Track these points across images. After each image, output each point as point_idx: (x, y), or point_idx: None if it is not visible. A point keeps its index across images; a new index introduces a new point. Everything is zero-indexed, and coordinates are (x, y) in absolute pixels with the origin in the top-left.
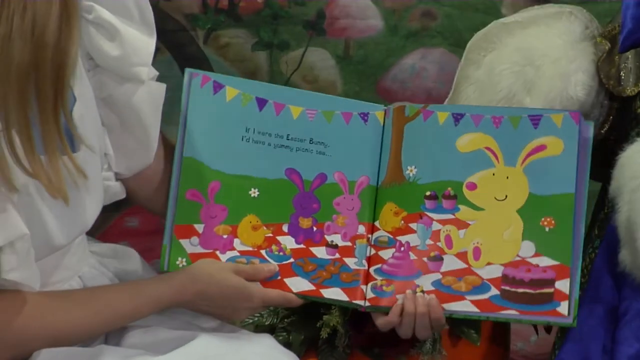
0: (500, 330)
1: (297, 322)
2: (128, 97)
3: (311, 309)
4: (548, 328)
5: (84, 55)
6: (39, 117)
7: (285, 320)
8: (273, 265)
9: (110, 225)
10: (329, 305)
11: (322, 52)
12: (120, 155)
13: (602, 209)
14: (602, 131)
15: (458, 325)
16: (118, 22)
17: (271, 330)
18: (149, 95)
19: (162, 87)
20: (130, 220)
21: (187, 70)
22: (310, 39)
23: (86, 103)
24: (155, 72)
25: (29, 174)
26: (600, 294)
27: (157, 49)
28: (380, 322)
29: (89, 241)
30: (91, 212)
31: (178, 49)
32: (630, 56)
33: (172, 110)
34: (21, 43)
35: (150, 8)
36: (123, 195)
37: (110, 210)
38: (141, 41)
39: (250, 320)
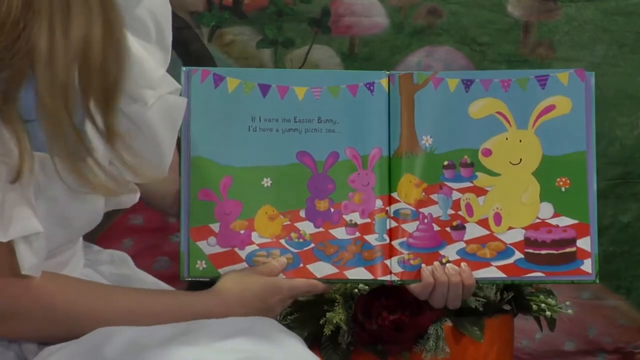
0: (504, 327)
1: (300, 319)
2: (137, 116)
3: (314, 306)
4: (552, 325)
5: None
6: None
7: (289, 317)
8: (283, 259)
9: (114, 222)
10: (332, 302)
11: (327, 50)
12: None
13: None
14: None
15: (461, 322)
16: (131, 40)
17: None
18: (162, 112)
19: (182, 101)
20: (135, 217)
21: (184, 69)
22: (315, 36)
23: None
24: (177, 86)
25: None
26: None
27: None
28: (416, 289)
29: (86, 248)
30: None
31: (182, 46)
32: None
33: None
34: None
35: (170, 30)
36: (128, 205)
37: None
38: (152, 63)
39: None
